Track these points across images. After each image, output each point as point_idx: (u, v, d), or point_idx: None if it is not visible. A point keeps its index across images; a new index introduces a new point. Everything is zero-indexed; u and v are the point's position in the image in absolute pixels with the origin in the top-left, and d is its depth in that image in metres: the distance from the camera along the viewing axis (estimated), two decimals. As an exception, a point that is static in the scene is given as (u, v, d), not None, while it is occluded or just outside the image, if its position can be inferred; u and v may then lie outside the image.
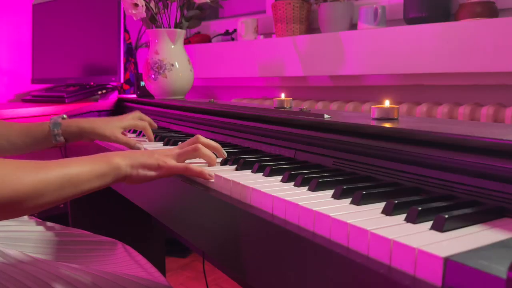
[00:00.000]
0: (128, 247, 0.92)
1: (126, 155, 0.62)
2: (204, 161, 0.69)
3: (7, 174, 0.48)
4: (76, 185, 0.55)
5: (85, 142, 1.06)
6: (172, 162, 0.64)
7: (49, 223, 0.88)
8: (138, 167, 0.62)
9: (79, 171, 0.55)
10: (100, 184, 0.58)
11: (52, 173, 0.52)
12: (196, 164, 0.67)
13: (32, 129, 0.89)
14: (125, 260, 0.86)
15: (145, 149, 0.87)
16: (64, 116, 0.92)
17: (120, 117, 0.96)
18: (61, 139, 0.89)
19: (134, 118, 0.97)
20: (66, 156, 1.38)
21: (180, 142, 0.86)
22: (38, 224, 0.86)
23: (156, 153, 0.64)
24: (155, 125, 1.01)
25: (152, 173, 0.63)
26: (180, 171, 0.64)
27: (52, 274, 0.65)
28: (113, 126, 0.91)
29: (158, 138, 0.98)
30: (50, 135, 0.88)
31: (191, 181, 0.65)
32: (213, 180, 0.61)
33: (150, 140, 0.96)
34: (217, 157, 0.71)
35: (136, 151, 0.64)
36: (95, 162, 0.58)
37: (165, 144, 0.90)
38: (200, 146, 0.67)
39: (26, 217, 0.86)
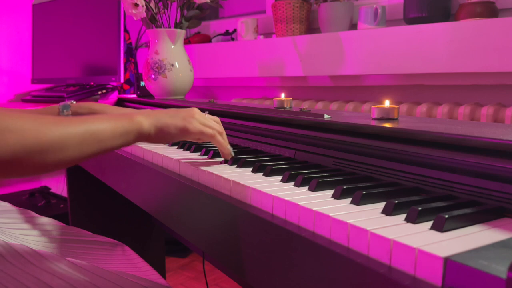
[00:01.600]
0: (127, 249, 0.92)
1: (150, 114, 0.62)
2: (205, 161, 0.68)
3: (30, 124, 0.48)
4: (99, 141, 0.55)
5: None
6: (197, 125, 0.64)
7: (48, 220, 0.88)
8: (161, 127, 0.62)
9: (102, 127, 0.55)
10: (123, 141, 0.58)
11: (75, 127, 0.52)
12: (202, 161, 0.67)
13: (42, 112, 0.91)
14: (123, 263, 0.86)
15: None
16: (73, 101, 0.95)
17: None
18: None
19: None
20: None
21: (180, 143, 0.86)
22: (40, 220, 0.86)
23: (181, 111, 0.65)
24: None
25: (175, 132, 0.63)
26: (207, 135, 0.65)
27: (52, 275, 0.65)
28: (121, 111, 0.96)
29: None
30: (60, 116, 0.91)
31: (192, 181, 0.65)
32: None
33: None
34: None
35: (160, 111, 0.65)
36: (119, 120, 0.58)
37: (164, 144, 0.90)
38: (219, 138, 0.67)
39: (29, 214, 0.86)
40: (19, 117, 0.47)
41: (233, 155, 0.69)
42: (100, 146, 0.55)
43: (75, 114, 0.92)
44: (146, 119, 0.61)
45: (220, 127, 0.68)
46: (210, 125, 0.67)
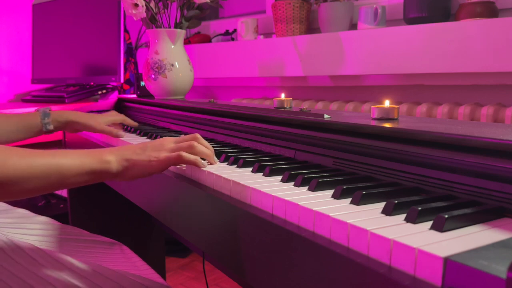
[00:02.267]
0: (126, 248, 0.91)
1: (118, 152, 0.62)
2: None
3: None
4: (62, 177, 0.55)
5: (82, 140, 1.17)
6: (164, 155, 0.63)
7: (45, 218, 0.88)
8: (130, 165, 0.61)
9: (68, 164, 0.56)
10: (89, 179, 0.59)
11: (40, 160, 0.53)
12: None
13: (23, 119, 0.94)
14: (121, 262, 0.86)
15: (122, 140, 0.96)
16: (49, 108, 0.98)
17: (101, 114, 1.07)
18: (51, 127, 0.96)
19: (112, 114, 1.09)
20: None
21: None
22: (35, 219, 0.86)
23: (149, 147, 0.64)
24: (134, 123, 1.13)
25: (144, 171, 0.62)
26: (173, 161, 0.63)
27: (55, 272, 0.65)
28: (97, 119, 1.01)
29: (158, 137, 0.98)
30: (41, 124, 0.95)
31: (191, 181, 0.65)
32: (205, 169, 0.61)
33: (134, 126, 1.11)
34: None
35: (128, 147, 0.64)
36: (87, 157, 0.58)
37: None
38: (195, 143, 0.65)
39: (21, 212, 0.86)
40: None
41: (205, 165, 0.66)
42: (62, 181, 0.56)
43: (55, 122, 0.96)
44: (115, 158, 0.60)
45: (188, 144, 0.65)
46: (177, 147, 0.65)
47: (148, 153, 0.63)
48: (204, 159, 0.67)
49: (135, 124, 1.12)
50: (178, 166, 0.70)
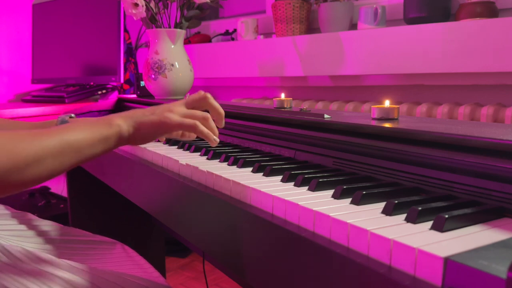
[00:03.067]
0: (127, 247, 0.92)
1: (128, 115, 0.60)
2: (205, 161, 0.68)
3: (3, 143, 0.46)
4: (77, 151, 0.53)
5: None
6: (177, 118, 0.60)
7: (49, 222, 0.88)
8: (140, 127, 0.60)
9: (80, 136, 0.53)
10: (104, 148, 0.57)
11: (51, 139, 0.50)
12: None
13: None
14: (124, 261, 0.86)
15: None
16: (72, 115, 0.93)
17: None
18: None
19: None
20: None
21: (180, 142, 0.86)
22: (38, 222, 0.86)
23: (159, 108, 0.61)
24: None
25: (156, 130, 0.60)
26: (187, 127, 0.60)
27: (52, 274, 0.65)
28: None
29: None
30: None
31: (191, 181, 0.65)
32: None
33: None
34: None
35: (138, 110, 0.62)
36: (96, 126, 0.56)
37: (164, 144, 0.91)
38: (209, 95, 0.63)
39: (30, 217, 0.86)
40: None
41: (217, 140, 0.63)
42: (79, 155, 0.53)
43: None
44: (124, 121, 0.59)
45: (202, 114, 0.63)
46: (191, 114, 0.62)
47: (159, 112, 0.61)
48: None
49: None
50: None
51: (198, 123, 0.60)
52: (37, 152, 0.48)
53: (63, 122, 0.88)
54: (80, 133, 0.54)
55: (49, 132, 0.52)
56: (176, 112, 0.62)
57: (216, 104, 0.65)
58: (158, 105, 0.64)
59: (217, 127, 0.64)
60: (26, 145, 0.48)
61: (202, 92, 0.65)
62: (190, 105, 0.64)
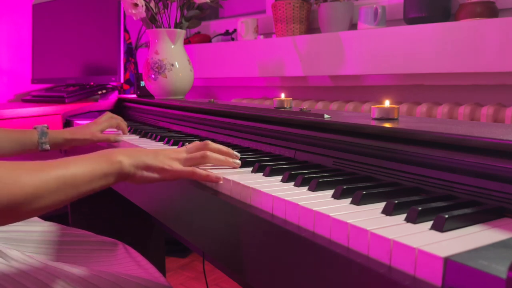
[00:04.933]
0: (128, 247, 0.92)
1: (130, 153, 0.59)
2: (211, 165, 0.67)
3: (3, 177, 0.46)
4: (77, 187, 0.52)
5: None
6: (177, 166, 0.61)
7: (49, 223, 0.88)
8: (142, 168, 0.59)
9: (80, 172, 0.53)
10: (103, 184, 0.56)
11: (51, 174, 0.50)
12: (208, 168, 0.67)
13: (21, 136, 0.94)
14: (126, 261, 0.86)
15: (123, 141, 0.98)
16: (46, 125, 0.98)
17: (95, 121, 1.06)
18: (47, 147, 0.96)
19: (107, 119, 1.07)
20: (66, 155, 1.37)
21: (181, 142, 0.86)
22: (38, 224, 0.86)
23: (161, 154, 0.62)
24: (125, 124, 1.11)
25: (155, 176, 0.60)
26: (186, 176, 0.61)
27: (52, 275, 0.65)
28: (91, 130, 1.01)
29: (158, 137, 0.98)
30: (37, 143, 0.95)
31: (192, 181, 0.65)
32: (221, 182, 0.59)
33: (124, 133, 1.09)
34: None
35: (140, 150, 0.62)
36: (97, 161, 0.56)
37: (165, 144, 0.91)
38: (208, 153, 0.64)
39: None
40: None
41: (238, 156, 0.66)
42: (78, 191, 0.53)
43: (52, 142, 0.96)
44: (127, 159, 0.58)
45: (201, 154, 0.64)
46: (190, 157, 0.63)
47: (161, 159, 0.61)
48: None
49: (126, 131, 1.09)
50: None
51: (196, 170, 0.61)
52: (37, 188, 0.48)
53: (43, 132, 0.95)
54: (80, 169, 0.53)
55: (50, 167, 0.51)
56: (177, 159, 0.62)
57: (215, 156, 0.65)
58: (161, 149, 0.64)
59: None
60: (26, 181, 0.47)
61: (201, 151, 0.65)
62: (189, 163, 0.64)
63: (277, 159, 0.70)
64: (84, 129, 1.02)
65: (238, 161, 0.67)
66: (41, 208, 0.49)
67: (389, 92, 1.34)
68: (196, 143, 0.67)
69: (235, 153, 0.68)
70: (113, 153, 0.58)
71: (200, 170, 0.61)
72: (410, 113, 1.17)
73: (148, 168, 0.60)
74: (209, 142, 0.66)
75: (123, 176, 0.58)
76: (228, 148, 0.68)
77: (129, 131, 1.13)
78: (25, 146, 0.94)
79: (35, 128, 0.95)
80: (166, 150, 0.64)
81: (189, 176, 0.61)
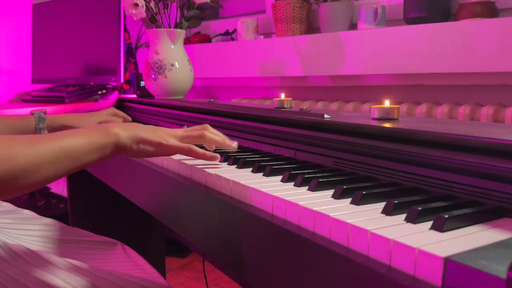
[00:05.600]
0: (127, 248, 0.92)
1: (127, 127, 0.60)
2: (205, 161, 0.68)
3: (1, 151, 0.46)
4: (74, 158, 0.53)
5: None
6: (174, 142, 0.63)
7: (50, 220, 0.88)
8: (138, 141, 0.60)
9: (77, 144, 0.54)
10: (100, 156, 0.56)
11: (48, 146, 0.50)
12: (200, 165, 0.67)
13: (18, 122, 0.94)
14: (124, 261, 0.86)
15: None
16: (45, 111, 0.97)
17: (97, 112, 1.04)
18: (45, 132, 0.95)
19: (108, 114, 1.05)
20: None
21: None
22: (39, 221, 0.86)
23: (159, 130, 0.63)
24: (130, 119, 1.09)
25: (151, 149, 0.62)
26: (182, 152, 0.63)
27: (52, 274, 0.65)
28: (90, 120, 1.00)
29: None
30: (35, 129, 0.94)
31: (191, 180, 0.65)
32: (217, 161, 0.61)
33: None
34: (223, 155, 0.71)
35: (137, 124, 0.63)
36: (94, 133, 0.56)
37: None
38: (206, 132, 0.66)
39: (27, 213, 0.86)
40: None
41: (216, 155, 0.67)
42: (75, 163, 0.53)
43: (50, 127, 0.95)
44: (123, 131, 0.59)
45: (199, 133, 0.66)
46: (187, 135, 0.65)
47: (158, 134, 0.62)
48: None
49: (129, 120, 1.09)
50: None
51: (192, 147, 0.63)
52: (34, 159, 0.48)
53: (40, 118, 0.94)
54: (77, 141, 0.54)
55: (46, 139, 0.52)
56: (174, 135, 0.64)
57: (212, 137, 0.67)
58: (159, 126, 0.66)
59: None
60: (23, 152, 0.48)
61: (200, 131, 0.67)
62: (186, 140, 0.66)
63: (277, 159, 0.70)
64: (83, 118, 1.00)
65: (235, 145, 0.70)
66: (39, 181, 0.49)
67: (389, 92, 1.34)
68: (195, 126, 0.69)
69: (230, 142, 0.70)
70: (110, 126, 0.59)
71: (196, 148, 0.63)
72: (410, 113, 1.17)
73: (144, 141, 0.61)
74: (208, 125, 0.68)
75: (119, 148, 0.59)
76: (224, 137, 0.70)
77: None
78: (23, 132, 0.93)
79: (32, 114, 0.95)
80: (164, 128, 0.66)
81: (185, 152, 0.63)
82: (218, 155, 0.61)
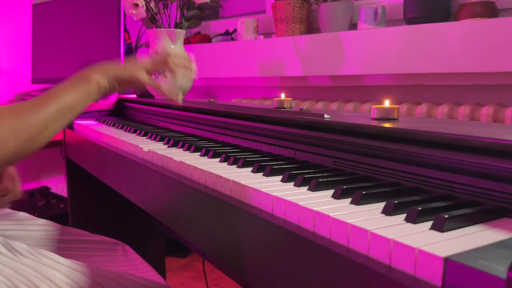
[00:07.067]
0: (127, 247, 0.92)
1: (102, 70, 0.74)
2: (205, 162, 0.68)
3: (17, 123, 0.58)
4: (72, 110, 0.67)
5: (82, 140, 1.13)
6: (144, 76, 0.79)
7: (49, 222, 0.88)
8: (114, 81, 0.76)
9: (72, 98, 0.67)
10: (89, 101, 0.71)
11: (51, 108, 0.63)
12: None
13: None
14: (124, 261, 0.86)
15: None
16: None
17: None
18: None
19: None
20: (65, 157, 1.38)
21: (181, 142, 0.86)
22: (35, 221, 0.86)
23: (127, 65, 0.79)
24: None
25: (126, 84, 0.79)
26: (150, 85, 0.82)
27: (53, 269, 0.65)
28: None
29: (158, 138, 0.98)
30: None
31: (192, 181, 0.65)
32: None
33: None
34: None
35: (111, 65, 0.78)
36: (79, 85, 0.70)
37: (165, 144, 0.90)
38: (169, 59, 0.82)
39: (23, 215, 0.86)
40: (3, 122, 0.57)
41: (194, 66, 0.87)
42: (73, 113, 0.68)
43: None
44: (100, 76, 0.73)
45: (164, 57, 0.83)
46: (155, 64, 0.83)
47: (129, 69, 0.78)
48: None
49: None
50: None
51: (160, 85, 0.84)
52: (44, 120, 0.62)
53: None
54: (70, 95, 0.67)
55: (47, 102, 0.64)
56: (144, 68, 0.80)
57: (177, 61, 0.83)
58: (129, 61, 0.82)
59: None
60: (35, 118, 0.60)
61: (164, 58, 0.84)
62: (153, 68, 0.83)
63: (277, 159, 0.70)
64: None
65: (194, 66, 0.89)
66: (51, 135, 0.63)
67: (389, 92, 1.34)
68: (158, 59, 0.85)
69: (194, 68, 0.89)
70: (89, 74, 0.73)
71: (165, 86, 0.83)
72: (410, 113, 1.17)
73: (119, 80, 0.77)
74: (171, 52, 0.85)
75: (102, 91, 0.74)
76: (187, 59, 0.87)
77: (129, 131, 1.13)
78: None
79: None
80: (132, 62, 0.82)
81: (155, 87, 0.83)
82: (179, 92, 0.84)
